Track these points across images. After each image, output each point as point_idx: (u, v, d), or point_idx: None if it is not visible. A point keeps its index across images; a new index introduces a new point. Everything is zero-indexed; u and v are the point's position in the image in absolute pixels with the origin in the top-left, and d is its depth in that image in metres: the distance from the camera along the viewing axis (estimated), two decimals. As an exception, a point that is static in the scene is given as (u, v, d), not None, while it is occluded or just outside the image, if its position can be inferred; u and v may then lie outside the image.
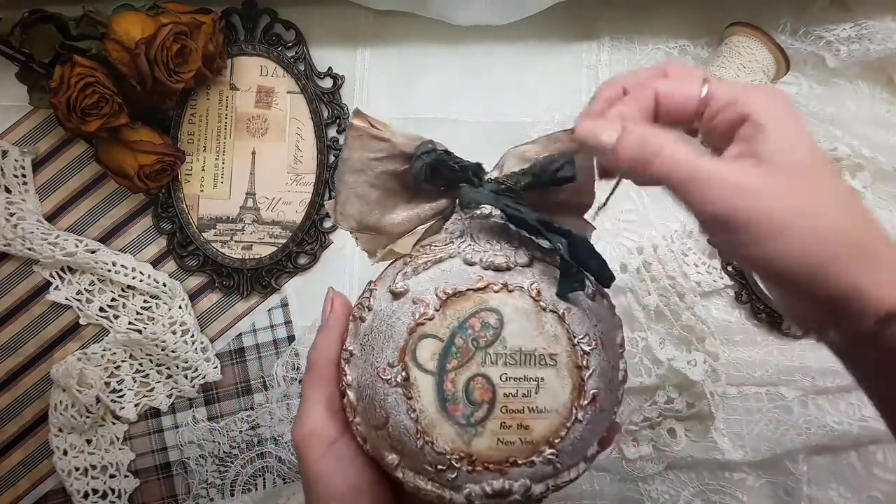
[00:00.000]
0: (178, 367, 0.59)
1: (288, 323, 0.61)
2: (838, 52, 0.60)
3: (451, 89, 0.63)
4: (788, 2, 0.61)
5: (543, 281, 0.34)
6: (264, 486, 0.61)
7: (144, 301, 0.60)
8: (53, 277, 0.60)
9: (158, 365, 0.60)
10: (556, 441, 0.33)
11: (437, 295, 0.33)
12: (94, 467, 0.59)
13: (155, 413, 0.60)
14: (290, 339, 0.61)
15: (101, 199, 0.61)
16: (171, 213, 0.60)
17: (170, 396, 0.60)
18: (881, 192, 0.62)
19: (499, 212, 0.36)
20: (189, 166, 0.60)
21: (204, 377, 0.60)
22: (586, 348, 0.34)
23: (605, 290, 0.37)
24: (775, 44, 0.59)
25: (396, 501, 0.38)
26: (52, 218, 0.60)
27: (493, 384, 0.33)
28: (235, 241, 0.61)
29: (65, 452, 0.59)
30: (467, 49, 0.62)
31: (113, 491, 0.59)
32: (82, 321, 0.60)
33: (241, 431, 0.60)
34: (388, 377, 0.33)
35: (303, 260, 0.61)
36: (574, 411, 0.34)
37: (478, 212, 0.36)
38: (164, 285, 0.59)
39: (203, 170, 0.61)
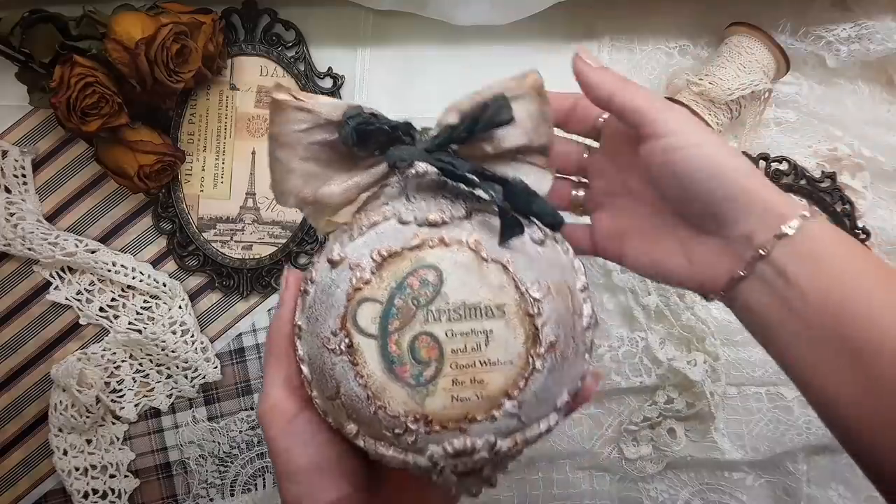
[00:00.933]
0: (178, 367, 0.59)
1: (288, 323, 0.61)
2: (838, 52, 0.60)
3: (452, 89, 0.62)
4: (789, 2, 0.61)
5: (483, 232, 0.33)
6: (264, 486, 0.61)
7: (144, 301, 0.60)
8: (53, 277, 0.60)
9: (158, 365, 0.60)
10: (516, 393, 0.32)
11: (372, 258, 0.33)
12: (94, 467, 0.59)
13: (155, 413, 0.60)
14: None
15: (101, 199, 0.61)
16: (171, 213, 0.60)
17: (170, 396, 0.60)
18: (881, 191, 0.62)
19: (434, 169, 0.35)
20: (189, 166, 0.60)
21: (204, 377, 0.60)
22: (536, 295, 0.32)
23: (558, 234, 0.36)
24: (775, 44, 0.59)
25: (370, 475, 0.38)
26: (52, 218, 0.60)
27: (439, 341, 0.32)
28: (235, 241, 0.61)
29: (65, 452, 0.59)
30: (467, 49, 0.62)
31: (113, 491, 0.59)
32: (82, 321, 0.60)
33: (241, 431, 0.60)
34: (333, 346, 0.32)
35: (303, 260, 0.61)
36: (531, 360, 0.32)
37: (412, 171, 0.36)
38: (164, 285, 0.59)
39: (203, 170, 0.61)
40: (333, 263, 0.34)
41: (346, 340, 0.32)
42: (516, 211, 0.33)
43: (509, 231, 0.33)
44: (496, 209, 0.33)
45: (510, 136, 0.35)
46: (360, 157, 0.36)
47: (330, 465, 0.36)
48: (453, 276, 0.32)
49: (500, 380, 0.32)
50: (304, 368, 0.35)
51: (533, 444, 0.34)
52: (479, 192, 0.35)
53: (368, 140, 0.35)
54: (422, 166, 0.36)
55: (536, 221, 0.35)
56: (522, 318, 0.32)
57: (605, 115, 0.42)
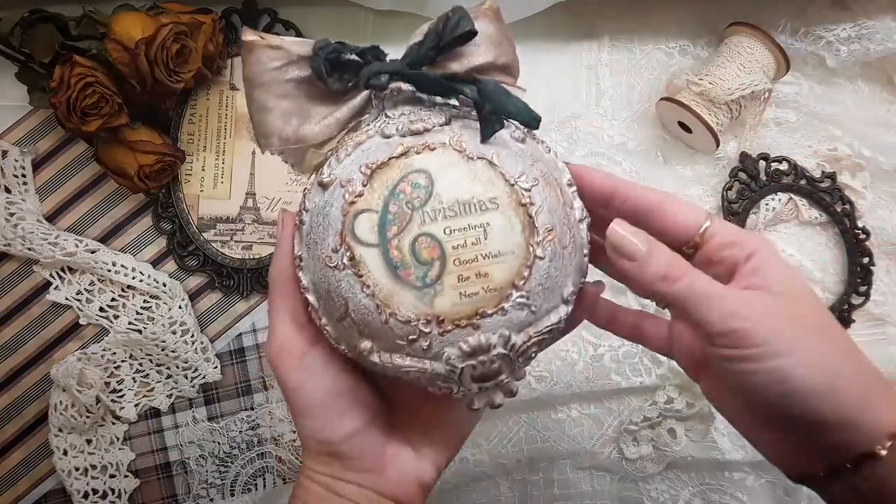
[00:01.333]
0: (177, 367, 0.59)
1: (288, 323, 0.61)
2: (838, 51, 0.60)
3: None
4: (788, 2, 0.61)
5: (465, 133, 0.34)
6: (264, 486, 0.61)
7: (144, 301, 0.60)
8: (53, 277, 0.60)
9: (158, 365, 0.60)
10: (522, 282, 0.32)
11: (361, 172, 0.33)
12: (93, 467, 0.59)
13: (155, 413, 0.60)
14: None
15: (101, 199, 0.61)
16: (171, 213, 0.60)
17: (170, 396, 0.60)
18: (881, 191, 0.62)
19: (409, 88, 0.36)
20: (189, 166, 0.60)
21: (204, 377, 0.60)
22: (526, 185, 0.33)
23: (536, 132, 0.37)
24: (775, 44, 0.59)
25: (384, 405, 0.38)
26: (52, 218, 0.60)
27: (438, 240, 0.32)
28: (235, 241, 0.61)
29: (65, 452, 0.59)
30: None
31: (113, 491, 0.59)
32: (82, 321, 0.60)
33: (241, 431, 0.60)
34: (335, 263, 0.32)
35: (303, 260, 0.61)
36: (531, 249, 0.33)
37: (387, 91, 0.36)
38: (164, 285, 0.59)
39: (203, 170, 0.61)
40: (324, 185, 0.34)
41: (348, 254, 0.32)
42: (493, 110, 0.34)
43: (490, 126, 0.34)
44: (474, 113, 0.34)
45: (475, 54, 0.36)
46: (336, 92, 0.36)
47: (344, 397, 0.36)
48: (442, 177, 0.33)
49: (505, 271, 0.32)
50: (310, 297, 0.34)
51: (547, 344, 0.35)
52: (454, 102, 0.36)
53: (341, 70, 0.35)
54: (396, 86, 0.36)
55: (514, 122, 0.36)
56: (516, 208, 0.33)
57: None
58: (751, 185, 0.61)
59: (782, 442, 0.33)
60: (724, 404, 0.36)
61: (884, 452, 0.30)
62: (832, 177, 0.62)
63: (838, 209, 0.61)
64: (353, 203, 0.33)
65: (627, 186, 0.36)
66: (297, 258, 0.35)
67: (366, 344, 0.33)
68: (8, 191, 0.59)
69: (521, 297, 0.32)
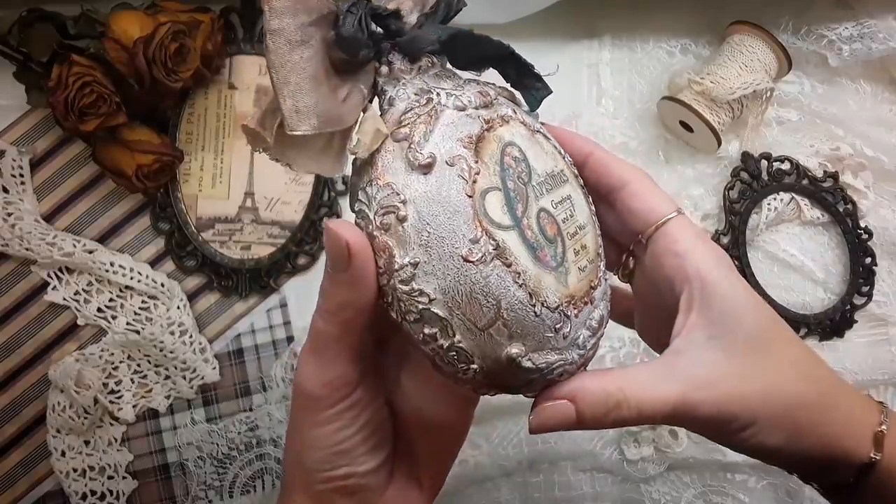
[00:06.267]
0: (176, 368, 0.59)
1: (287, 324, 0.61)
2: (840, 51, 0.60)
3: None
4: (790, 1, 0.61)
5: (513, 106, 0.32)
6: (263, 487, 0.60)
7: (142, 301, 0.60)
8: (51, 277, 0.59)
9: (156, 366, 0.60)
10: (601, 252, 0.31)
11: (465, 147, 0.28)
12: (92, 468, 0.59)
13: (153, 414, 0.60)
14: (289, 339, 0.61)
15: (99, 199, 0.60)
16: (169, 213, 0.60)
17: (168, 397, 0.60)
18: (883, 191, 0.62)
19: (429, 61, 0.31)
20: (187, 166, 0.60)
21: (202, 378, 0.59)
22: (569, 159, 0.33)
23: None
24: (777, 43, 0.58)
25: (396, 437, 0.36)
26: (49, 218, 0.60)
27: (552, 215, 0.29)
28: (234, 242, 0.60)
29: (63, 453, 0.59)
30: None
31: (111, 492, 0.59)
32: (80, 322, 0.60)
33: (239, 433, 0.60)
34: (479, 255, 0.27)
35: (302, 260, 0.61)
36: (594, 220, 0.32)
37: (419, 64, 0.31)
38: (163, 286, 0.59)
39: (202, 169, 0.60)
40: (426, 168, 0.28)
41: (492, 242, 0.27)
42: (540, 79, 0.33)
43: (538, 95, 0.33)
44: (497, 88, 0.32)
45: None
46: (350, 67, 0.30)
47: (377, 432, 0.33)
48: (528, 150, 0.30)
49: (592, 242, 0.31)
50: (438, 310, 0.28)
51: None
52: (469, 75, 0.33)
53: (367, 33, 0.29)
54: (429, 58, 0.32)
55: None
56: (575, 178, 0.33)
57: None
58: (753, 184, 0.60)
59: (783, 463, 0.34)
60: None
61: (878, 457, 0.31)
62: (834, 176, 0.61)
63: (840, 209, 0.61)
64: (475, 182, 0.28)
65: (602, 154, 0.35)
66: (409, 266, 0.28)
67: (516, 350, 0.28)
68: (5, 191, 0.59)
69: (602, 263, 0.31)
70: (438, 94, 0.30)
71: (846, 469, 0.32)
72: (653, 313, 0.36)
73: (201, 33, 0.56)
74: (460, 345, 0.28)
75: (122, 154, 0.56)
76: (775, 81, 0.60)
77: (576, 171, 0.33)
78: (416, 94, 0.30)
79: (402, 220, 0.28)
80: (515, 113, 0.32)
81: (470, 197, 0.27)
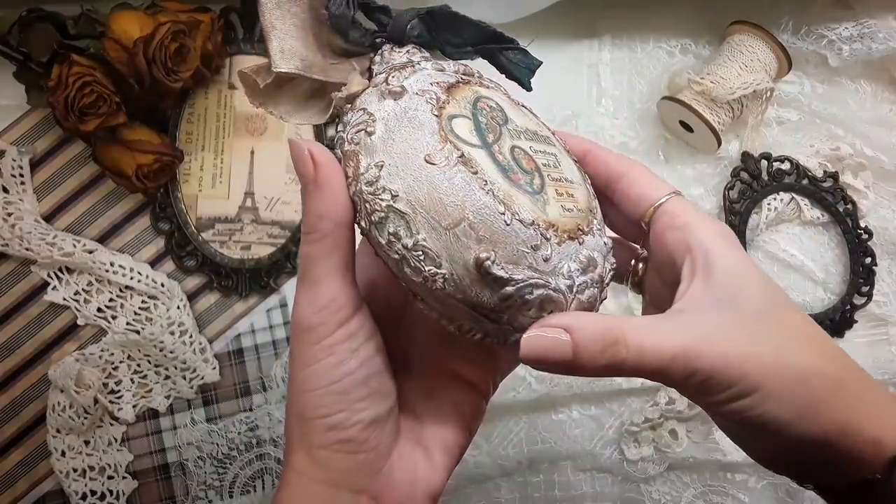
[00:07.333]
0: (176, 368, 0.59)
1: (287, 324, 0.61)
2: (840, 51, 0.60)
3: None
4: (790, 1, 0.61)
5: (499, 86, 0.34)
6: (263, 487, 0.60)
7: (142, 301, 0.60)
8: (51, 277, 0.59)
9: (156, 366, 0.60)
10: (595, 210, 0.31)
11: (436, 86, 0.30)
12: (92, 468, 0.59)
13: (153, 414, 0.60)
14: (289, 339, 0.61)
15: (99, 198, 0.60)
16: (169, 213, 0.60)
17: (168, 397, 0.60)
18: (883, 191, 0.62)
19: (417, 49, 0.33)
20: (187, 166, 0.60)
21: (202, 378, 0.59)
22: (564, 145, 0.34)
23: None
24: (777, 43, 0.58)
25: (392, 393, 0.33)
26: (49, 218, 0.60)
27: (530, 154, 0.30)
28: (234, 241, 0.60)
29: (63, 453, 0.59)
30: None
31: (111, 492, 0.59)
32: (80, 322, 0.60)
33: (239, 433, 0.60)
34: (443, 160, 0.28)
35: (302, 260, 0.61)
36: (588, 185, 0.32)
37: (408, 51, 0.33)
38: (163, 286, 0.59)
39: (202, 169, 0.60)
40: (396, 94, 0.30)
41: (457, 151, 0.28)
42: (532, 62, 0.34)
43: (530, 68, 0.34)
44: (479, 73, 0.34)
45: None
46: (343, 52, 0.33)
47: (378, 375, 0.31)
48: (507, 108, 0.32)
49: (583, 196, 0.31)
50: (401, 206, 0.28)
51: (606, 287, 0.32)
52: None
53: (356, 25, 0.32)
54: (416, 47, 0.34)
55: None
56: (568, 154, 0.33)
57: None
58: (752, 184, 0.60)
59: (787, 454, 0.30)
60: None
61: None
62: (834, 176, 0.61)
63: (840, 209, 0.61)
64: (442, 108, 0.29)
65: (600, 151, 0.35)
66: (371, 167, 0.29)
67: (486, 253, 0.27)
68: (6, 190, 0.59)
69: (598, 224, 0.31)
70: (419, 62, 0.32)
71: (871, 462, 0.28)
72: (656, 303, 0.34)
73: (201, 33, 0.56)
74: (425, 243, 0.28)
75: (122, 154, 0.56)
76: (775, 81, 0.60)
77: (568, 149, 0.34)
78: (400, 63, 0.32)
79: (370, 133, 0.29)
80: (499, 87, 0.33)
81: (437, 116, 0.29)
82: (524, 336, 0.28)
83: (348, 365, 0.30)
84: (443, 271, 0.28)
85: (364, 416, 0.31)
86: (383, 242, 0.29)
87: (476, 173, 0.28)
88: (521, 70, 0.34)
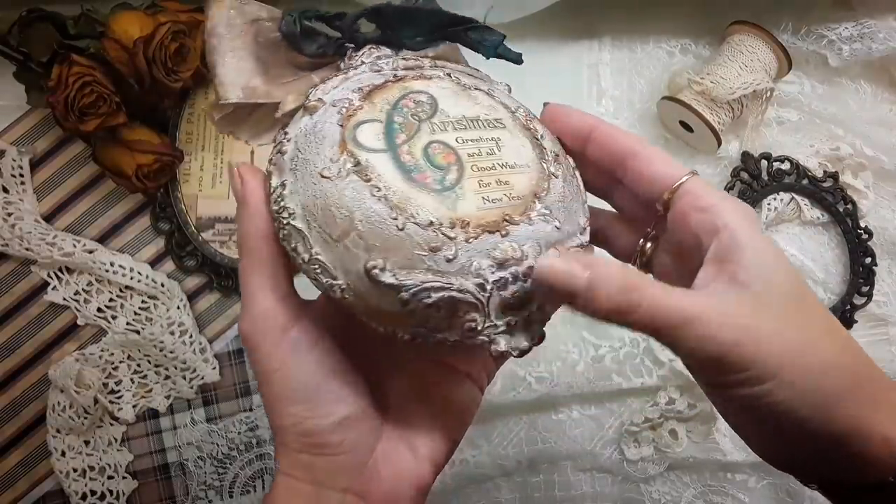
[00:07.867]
0: (176, 368, 0.59)
1: (287, 323, 0.61)
2: (840, 51, 0.60)
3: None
4: (790, 1, 0.61)
5: (457, 72, 0.34)
6: (263, 487, 0.60)
7: (142, 301, 0.60)
8: (51, 277, 0.59)
9: (156, 366, 0.60)
10: (543, 193, 0.30)
11: (355, 92, 0.31)
12: (92, 468, 0.59)
13: (153, 414, 0.60)
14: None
15: (99, 198, 0.60)
16: (169, 213, 0.60)
17: (168, 397, 0.60)
18: (883, 191, 0.62)
19: (386, 50, 0.34)
20: (187, 166, 0.60)
21: (202, 378, 0.59)
22: (524, 115, 0.33)
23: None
24: (777, 43, 0.58)
25: (374, 391, 0.33)
26: (49, 218, 0.60)
27: (452, 147, 0.30)
28: (234, 241, 0.60)
29: (63, 453, 0.59)
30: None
31: (111, 492, 0.59)
32: (80, 322, 0.60)
33: (239, 433, 0.60)
34: (335, 171, 0.28)
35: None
36: (544, 166, 0.31)
37: (365, 50, 0.34)
38: (163, 285, 0.59)
39: (202, 169, 0.60)
40: (311, 109, 0.31)
41: (351, 160, 0.28)
42: (500, 42, 0.35)
43: (494, 44, 0.34)
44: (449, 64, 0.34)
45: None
46: (302, 63, 0.34)
47: (336, 378, 0.31)
48: (445, 98, 0.31)
49: (525, 181, 0.30)
50: (298, 224, 0.29)
51: None
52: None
53: (313, 37, 0.33)
54: (373, 46, 0.35)
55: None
56: (523, 130, 0.32)
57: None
58: (753, 184, 0.60)
59: (794, 448, 0.30)
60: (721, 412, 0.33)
61: None
62: (834, 176, 0.61)
63: (840, 209, 0.61)
64: (351, 115, 0.30)
65: (606, 127, 0.33)
66: (280, 187, 0.30)
67: (377, 261, 0.27)
68: (6, 191, 0.59)
69: (545, 209, 0.30)
70: (362, 60, 0.33)
71: (883, 463, 0.27)
72: (665, 283, 0.33)
73: (201, 33, 0.56)
74: (319, 257, 0.29)
75: (122, 154, 0.56)
76: (775, 81, 0.60)
77: (539, 134, 0.33)
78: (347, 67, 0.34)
79: (283, 153, 0.31)
80: (451, 75, 0.33)
81: (341, 126, 0.29)
82: (539, 258, 0.28)
83: (299, 374, 0.31)
84: (339, 282, 0.29)
85: (332, 420, 0.31)
86: (292, 257, 0.30)
87: (369, 181, 0.28)
88: (484, 48, 0.35)
